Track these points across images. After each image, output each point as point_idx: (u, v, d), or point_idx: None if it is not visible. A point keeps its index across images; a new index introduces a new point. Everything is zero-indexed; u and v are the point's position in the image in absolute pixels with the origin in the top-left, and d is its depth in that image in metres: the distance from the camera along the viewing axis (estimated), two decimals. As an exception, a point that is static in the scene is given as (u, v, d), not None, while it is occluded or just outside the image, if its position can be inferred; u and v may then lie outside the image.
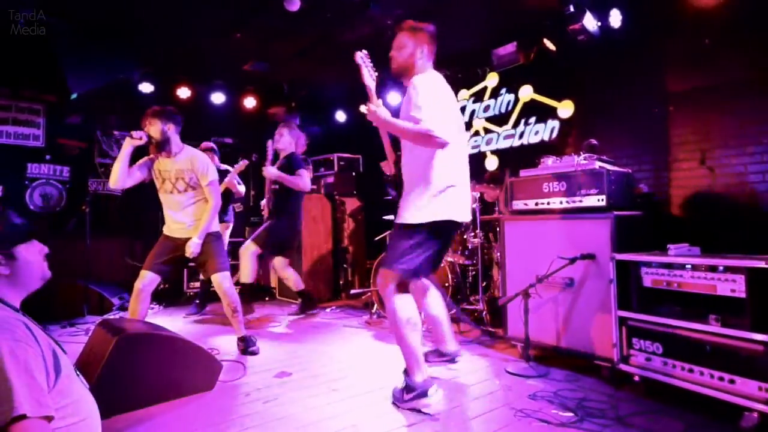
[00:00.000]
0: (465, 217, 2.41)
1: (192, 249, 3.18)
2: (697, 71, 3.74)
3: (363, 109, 2.37)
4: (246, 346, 3.31)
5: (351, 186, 5.97)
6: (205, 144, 4.89)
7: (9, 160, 4.92)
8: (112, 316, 4.58)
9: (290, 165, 4.34)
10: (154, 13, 4.18)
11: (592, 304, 2.70)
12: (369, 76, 2.43)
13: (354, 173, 6.06)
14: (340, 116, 6.58)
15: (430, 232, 2.31)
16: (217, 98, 5.88)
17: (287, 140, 4.44)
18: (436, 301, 2.79)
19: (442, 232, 2.38)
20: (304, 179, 4.29)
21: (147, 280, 3.18)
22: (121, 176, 3.12)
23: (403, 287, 2.35)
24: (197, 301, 4.75)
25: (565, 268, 2.76)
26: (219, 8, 4.12)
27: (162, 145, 3.18)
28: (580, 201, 2.80)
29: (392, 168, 2.65)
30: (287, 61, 5.36)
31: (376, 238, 5.23)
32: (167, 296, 5.48)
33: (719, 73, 3.58)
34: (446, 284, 4.22)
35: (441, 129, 2.17)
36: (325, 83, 6.18)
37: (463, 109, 5.35)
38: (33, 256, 1.42)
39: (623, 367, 2.51)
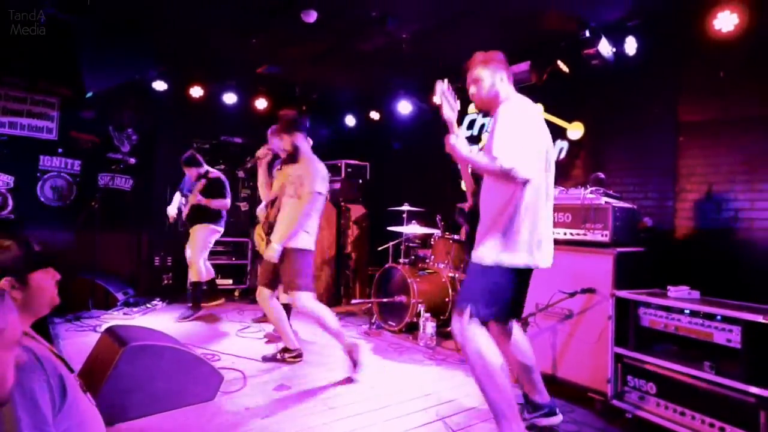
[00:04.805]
0: (543, 262, 2.22)
1: (269, 253, 3.19)
2: (709, 103, 3.74)
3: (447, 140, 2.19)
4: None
5: (357, 193, 6.01)
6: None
7: (22, 152, 4.98)
8: (115, 312, 4.66)
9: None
10: (170, 14, 4.21)
11: (590, 338, 2.74)
12: (449, 108, 2.25)
13: (361, 180, 6.10)
14: (350, 121, 6.61)
15: (509, 275, 2.16)
16: (229, 98, 5.91)
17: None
18: (523, 345, 2.42)
19: (521, 277, 2.23)
20: None
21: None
22: (267, 193, 3.55)
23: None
24: (190, 304, 4.74)
25: (565, 300, 2.79)
26: (236, 12, 4.14)
27: (296, 156, 3.33)
28: (584, 234, 2.83)
29: (470, 199, 2.55)
30: (300, 65, 5.39)
31: (380, 248, 5.28)
32: (171, 292, 5.56)
33: (732, 107, 3.58)
34: (447, 299, 4.27)
35: (520, 165, 1.99)
36: (337, 87, 6.20)
37: (472, 123, 5.38)
38: (46, 282, 1.46)
39: (616, 402, 2.54)
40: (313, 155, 3.40)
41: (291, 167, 3.36)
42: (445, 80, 2.30)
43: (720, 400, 2.12)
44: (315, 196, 3.20)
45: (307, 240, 3.25)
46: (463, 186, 2.73)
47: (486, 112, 2.39)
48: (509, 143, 2.02)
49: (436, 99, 2.33)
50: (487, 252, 2.14)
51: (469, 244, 2.40)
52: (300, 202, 3.21)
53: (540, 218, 2.18)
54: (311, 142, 3.62)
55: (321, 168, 3.30)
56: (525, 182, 2.07)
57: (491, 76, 2.27)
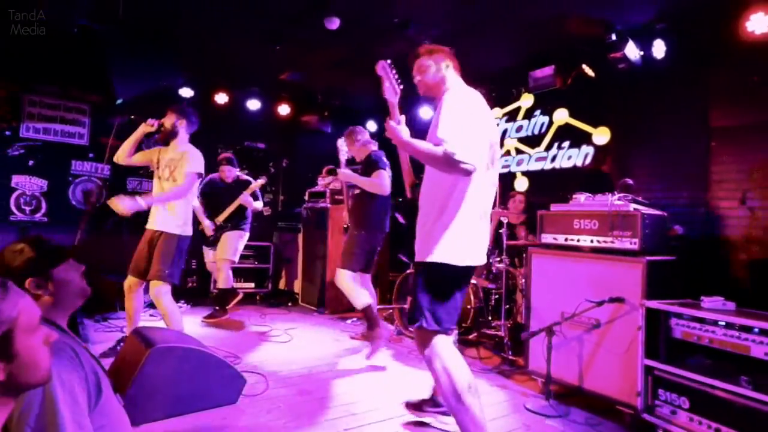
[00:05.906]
0: (480, 260, 2.10)
1: (123, 204, 3.11)
2: (742, 108, 3.63)
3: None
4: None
5: (378, 198, 5.99)
6: (224, 155, 5.04)
7: (55, 157, 5.15)
8: (141, 314, 4.74)
9: (368, 166, 3.87)
10: (196, 23, 4.32)
11: (618, 349, 2.66)
12: (391, 90, 2.15)
13: (382, 185, 6.09)
14: (371, 126, 6.62)
15: (457, 275, 2.04)
16: (253, 104, 6.01)
17: (356, 147, 4.03)
18: None
19: (466, 277, 2.11)
20: (382, 180, 3.75)
21: (130, 283, 3.47)
22: (126, 154, 3.48)
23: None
24: (216, 307, 4.74)
25: (592, 309, 2.73)
26: (260, 20, 4.22)
27: (169, 136, 3.45)
28: (612, 242, 2.76)
29: (408, 192, 2.40)
30: (322, 71, 5.44)
31: (401, 254, 5.25)
32: (195, 295, 5.64)
33: (766, 112, 3.47)
34: (468, 306, 4.22)
35: (467, 152, 1.85)
36: (358, 93, 6.24)
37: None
38: (70, 275, 1.46)
39: (647, 417, 2.46)
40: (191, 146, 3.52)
41: (165, 151, 3.48)
42: (388, 60, 2.17)
43: (757, 417, 2.03)
44: (194, 177, 3.34)
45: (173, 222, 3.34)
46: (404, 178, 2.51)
47: (432, 99, 2.23)
48: (456, 128, 1.89)
49: (386, 90, 2.16)
50: (435, 250, 1.99)
51: (409, 239, 2.22)
52: (176, 183, 3.34)
53: (480, 214, 2.07)
54: (375, 147, 3.86)
55: (198, 153, 3.44)
56: (469, 173, 1.89)
57: (436, 63, 2.17)
